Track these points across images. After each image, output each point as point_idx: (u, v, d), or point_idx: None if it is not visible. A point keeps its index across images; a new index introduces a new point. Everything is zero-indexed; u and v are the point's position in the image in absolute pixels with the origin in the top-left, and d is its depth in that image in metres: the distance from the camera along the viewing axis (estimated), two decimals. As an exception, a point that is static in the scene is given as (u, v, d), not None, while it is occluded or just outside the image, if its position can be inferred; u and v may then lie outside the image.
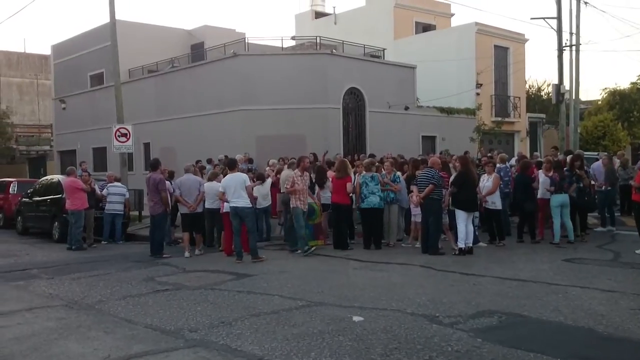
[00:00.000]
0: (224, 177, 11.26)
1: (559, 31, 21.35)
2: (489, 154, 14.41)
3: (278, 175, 13.34)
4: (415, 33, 31.18)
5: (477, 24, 27.58)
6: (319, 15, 36.03)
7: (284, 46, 23.57)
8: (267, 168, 14.79)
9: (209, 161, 17.05)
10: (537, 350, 5.04)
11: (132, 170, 21.68)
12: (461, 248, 10.38)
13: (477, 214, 11.18)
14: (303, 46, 23.51)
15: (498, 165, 12.91)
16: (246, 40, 22.97)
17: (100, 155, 26.38)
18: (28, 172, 37.50)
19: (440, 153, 19.33)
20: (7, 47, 72.59)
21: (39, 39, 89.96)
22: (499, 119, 27.44)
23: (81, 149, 28.01)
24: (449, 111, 25.31)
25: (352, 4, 52.79)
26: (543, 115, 32.71)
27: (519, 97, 29.97)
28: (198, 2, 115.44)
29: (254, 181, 12.08)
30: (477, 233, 11.20)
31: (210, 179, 12.13)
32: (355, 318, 6.12)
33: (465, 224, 10.44)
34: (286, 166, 12.98)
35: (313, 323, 5.98)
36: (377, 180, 11.32)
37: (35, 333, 5.97)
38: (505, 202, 12.30)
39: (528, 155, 21.09)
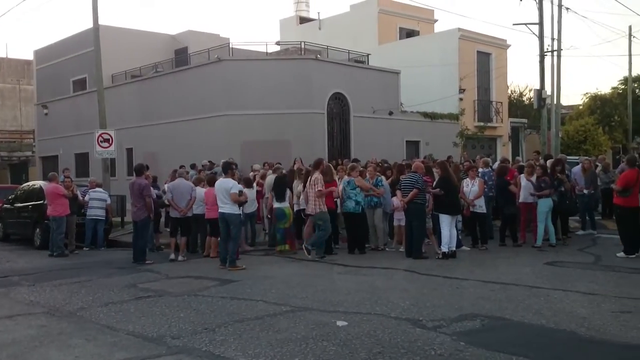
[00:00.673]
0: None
1: (541, 37, 21.63)
2: (483, 158, 14.50)
3: (261, 181, 13.33)
4: (399, 38, 31.41)
5: (460, 29, 27.82)
6: (303, 20, 36.15)
7: (269, 51, 23.61)
8: (251, 173, 14.76)
9: (193, 166, 16.98)
10: (519, 354, 5.08)
11: (114, 175, 21.49)
12: (444, 252, 10.45)
13: (460, 217, 11.27)
14: (288, 51, 23.54)
15: (481, 169, 13.03)
16: (230, 45, 22.93)
17: (82, 161, 26.13)
18: (10, 178, 37.03)
19: (424, 158, 19.44)
20: (-13, 52, 71.73)
21: (21, 44, 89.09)
22: (482, 123, 27.66)
23: (63, 154, 27.75)
24: (432, 116, 25.48)
25: (337, 10, 53.09)
26: (525, 120, 33.04)
27: (501, 102, 30.24)
28: (182, 7, 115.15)
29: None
30: (460, 237, 11.27)
31: (194, 185, 12.14)
32: (339, 323, 6.13)
33: (449, 228, 10.51)
34: (270, 171, 12.97)
35: (297, 328, 5.98)
36: (353, 185, 11.35)
37: (16, 341, 5.90)
38: (489, 206, 12.41)
39: (510, 159, 21.28)
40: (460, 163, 16.04)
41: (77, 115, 26.48)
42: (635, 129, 35.73)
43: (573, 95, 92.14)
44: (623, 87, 37.25)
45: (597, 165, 14.50)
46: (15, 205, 15.85)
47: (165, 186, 12.88)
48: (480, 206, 11.58)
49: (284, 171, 12.56)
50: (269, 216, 12.75)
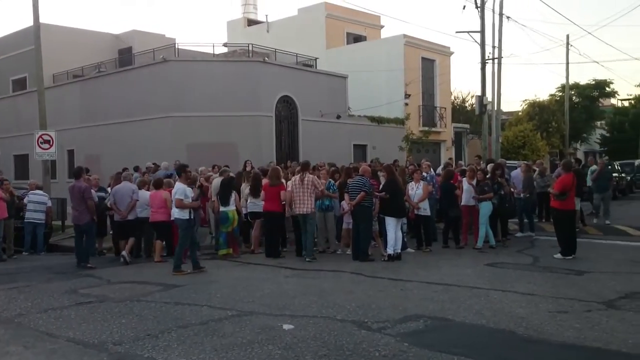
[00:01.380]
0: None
1: (482, 45, 22.28)
2: (427, 162, 14.81)
3: (206, 183, 13.18)
4: (347, 43, 31.74)
5: (405, 36, 28.38)
6: (251, 22, 36.00)
7: (216, 53, 23.41)
8: (193, 174, 14.54)
9: (136, 169, 16.59)
10: (460, 354, 5.22)
11: (55, 178, 20.83)
12: (390, 254, 10.61)
13: (405, 220, 11.47)
14: (235, 53, 23.40)
15: (425, 173, 13.32)
16: (176, 46, 22.62)
17: (22, 163, 25.23)
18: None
19: (371, 161, 19.69)
20: None
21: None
22: (427, 128, 28.26)
23: (2, 156, 26.62)
24: (379, 120, 25.87)
25: (285, 13, 53.11)
26: (467, 126, 33.99)
27: (445, 108, 31.02)
28: (126, 7, 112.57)
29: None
30: (405, 239, 11.47)
31: (138, 187, 11.90)
32: (286, 326, 6.13)
33: (394, 231, 10.68)
34: (217, 174, 12.84)
35: (243, 333, 5.95)
36: None
37: (-54, 351, 5.62)
38: (433, 209, 12.67)
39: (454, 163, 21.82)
40: (406, 167, 16.33)
41: (16, 115, 25.58)
42: (572, 134, 37.36)
43: (513, 101, 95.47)
44: (560, 94, 38.91)
45: (534, 170, 15.04)
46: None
47: (109, 189, 12.60)
48: (425, 209, 11.82)
49: (231, 174, 12.45)
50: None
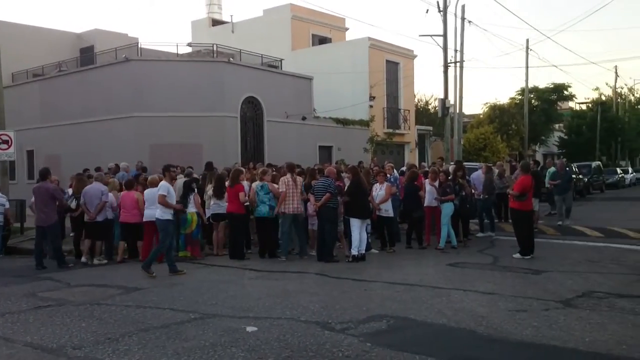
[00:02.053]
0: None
1: (445, 48, 22.66)
2: (389, 163, 14.92)
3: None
4: (312, 45, 31.81)
5: (370, 39, 28.61)
6: (216, 23, 35.75)
7: (180, 52, 23.17)
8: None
9: (98, 170, 16.28)
10: (422, 352, 5.29)
11: (14, 179, 20.30)
12: (354, 255, 10.67)
13: (369, 221, 11.55)
14: (200, 53, 23.21)
15: (389, 175, 13.44)
16: (139, 45, 22.28)
17: (-22, 164, 24.39)
18: None
19: (336, 163, 19.79)
20: None
21: None
22: (391, 130, 28.55)
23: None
24: (344, 122, 26.02)
25: (250, 14, 52.89)
26: (430, 128, 34.48)
27: (409, 110, 31.38)
28: (88, 5, 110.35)
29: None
30: (369, 240, 11.55)
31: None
32: (249, 328, 6.11)
33: (359, 232, 10.75)
34: (182, 175, 12.68)
35: (205, 336, 5.91)
36: (266, 189, 11.38)
37: None
38: (396, 210, 12.80)
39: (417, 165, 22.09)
40: (370, 168, 16.46)
41: (-28, 114, 24.71)
42: (531, 137, 38.30)
43: (474, 104, 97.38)
44: (520, 97, 39.85)
45: (495, 171, 15.33)
46: None
47: (69, 190, 12.33)
48: (387, 210, 11.91)
49: (195, 176, 12.36)
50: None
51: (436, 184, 12.35)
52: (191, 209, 11.12)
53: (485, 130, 34.61)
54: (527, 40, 34.00)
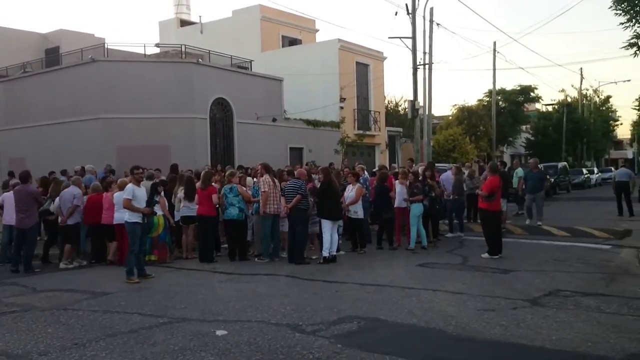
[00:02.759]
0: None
1: (414, 50, 22.84)
2: (360, 165, 14.96)
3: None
4: (282, 46, 31.76)
5: (339, 40, 28.70)
6: (184, 23, 35.41)
7: (148, 53, 22.87)
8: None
9: (64, 172, 15.96)
10: (392, 353, 5.32)
11: (-25, 182, 19.67)
12: (325, 256, 10.67)
13: (341, 222, 11.57)
14: (168, 54, 22.95)
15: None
16: (106, 46, 21.93)
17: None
18: None
19: (307, 164, 19.78)
20: None
21: None
22: (361, 132, 28.69)
23: None
24: (315, 124, 26.05)
25: (219, 14, 52.55)
26: (400, 129, 34.76)
27: (379, 112, 31.57)
28: (54, 5, 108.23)
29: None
30: (340, 241, 11.56)
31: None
32: (219, 332, 6.06)
33: (330, 233, 10.76)
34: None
35: (174, 340, 5.83)
36: (235, 192, 11.31)
37: None
38: (366, 212, 12.85)
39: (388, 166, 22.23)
40: (341, 170, 16.50)
41: None
42: (499, 138, 38.90)
43: (443, 106, 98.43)
44: (488, 99, 40.43)
45: (464, 172, 15.49)
46: None
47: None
48: (355, 212, 11.94)
49: (163, 178, 12.21)
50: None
51: (406, 184, 12.43)
52: (157, 212, 10.97)
53: (454, 131, 35.06)
54: (495, 43, 34.50)
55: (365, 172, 14.43)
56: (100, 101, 19.31)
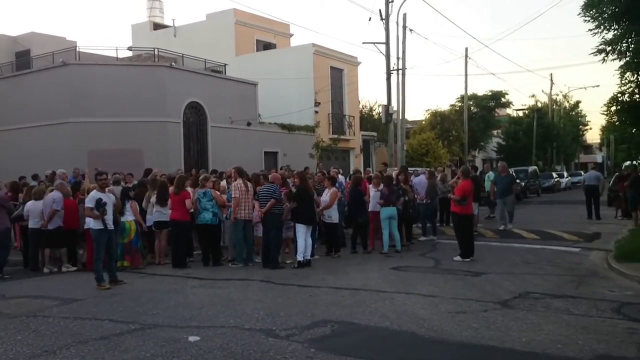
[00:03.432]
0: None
1: (387, 56, 22.99)
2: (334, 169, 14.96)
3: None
4: (257, 50, 31.71)
5: (314, 45, 28.78)
6: (157, 27, 35.11)
7: (120, 57, 22.62)
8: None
9: (35, 177, 15.68)
10: (365, 356, 5.36)
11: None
12: (300, 261, 10.67)
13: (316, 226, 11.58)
14: (140, 57, 22.76)
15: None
16: (77, 49, 21.65)
17: None
18: None
19: (281, 168, 19.76)
20: None
21: None
22: (336, 136, 28.77)
23: None
24: (289, 128, 26.05)
25: (193, 18, 52.19)
26: (375, 134, 34.98)
27: (354, 117, 31.73)
28: (24, 8, 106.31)
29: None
30: (315, 246, 11.58)
31: (36, 198, 11.29)
32: (191, 338, 6.01)
33: (304, 237, 10.76)
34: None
35: (146, 346, 5.77)
36: (209, 196, 11.25)
37: None
38: (341, 215, 12.89)
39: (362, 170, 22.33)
40: (315, 174, 16.52)
41: None
42: (471, 143, 39.39)
43: (417, 111, 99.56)
44: (460, 104, 40.91)
45: (436, 177, 15.63)
46: None
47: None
48: (330, 216, 11.97)
49: (135, 182, 12.07)
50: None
51: (380, 188, 12.51)
52: (129, 217, 10.84)
53: (427, 136, 35.40)
54: (466, 49, 35.01)
55: (340, 176, 14.48)
56: (71, 105, 19.05)
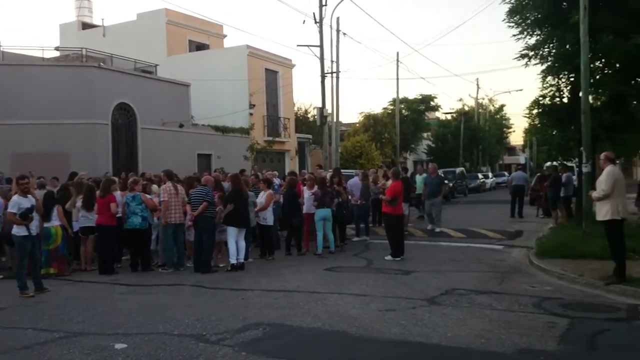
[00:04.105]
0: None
1: (322, 59, 23.24)
2: (269, 171, 14.91)
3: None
4: (189, 51, 31.20)
5: (248, 47, 28.64)
6: (86, 26, 33.90)
7: (46, 57, 21.75)
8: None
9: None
10: (297, 358, 5.41)
11: None
12: (233, 264, 10.59)
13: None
14: (68, 57, 22.00)
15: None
16: (1, 49, 20.66)
17: None
18: None
19: (215, 171, 19.53)
20: None
21: None
22: (271, 138, 28.74)
23: None
24: (224, 130, 25.79)
25: (123, 18, 50.73)
26: (310, 136, 35.19)
27: (289, 119, 31.79)
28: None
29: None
30: (249, 248, 11.51)
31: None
32: (118, 346, 5.86)
33: (235, 240, 10.68)
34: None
35: (71, 355, 5.59)
36: (138, 200, 10.99)
37: None
38: (276, 217, 12.87)
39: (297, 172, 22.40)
40: (249, 177, 16.43)
41: None
42: (402, 145, 40.30)
43: (351, 114, 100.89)
44: (392, 107, 41.82)
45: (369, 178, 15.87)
46: None
47: None
48: (264, 218, 11.96)
49: (60, 186, 11.63)
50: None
51: (314, 190, 12.59)
52: (55, 222, 10.41)
53: (361, 138, 35.93)
54: (397, 54, 36.00)
55: (276, 179, 14.48)
56: (-8, 106, 18.12)
